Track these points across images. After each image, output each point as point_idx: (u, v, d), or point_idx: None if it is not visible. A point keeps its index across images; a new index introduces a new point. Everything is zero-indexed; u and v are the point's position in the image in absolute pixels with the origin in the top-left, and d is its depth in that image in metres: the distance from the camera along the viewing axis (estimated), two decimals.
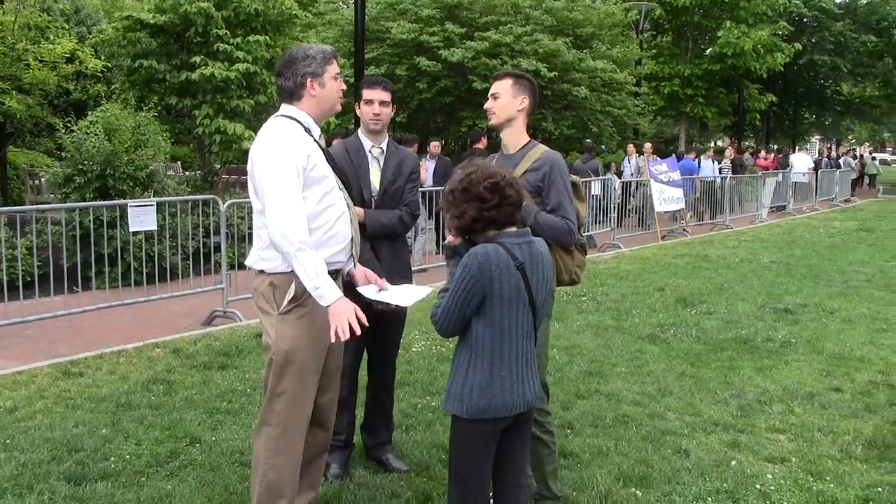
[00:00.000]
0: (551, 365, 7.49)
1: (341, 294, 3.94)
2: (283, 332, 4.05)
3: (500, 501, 3.68)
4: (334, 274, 4.16)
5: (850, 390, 7.43)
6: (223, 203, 10.17)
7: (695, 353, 8.50)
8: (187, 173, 16.98)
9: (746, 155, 33.00)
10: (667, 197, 19.68)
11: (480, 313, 3.46)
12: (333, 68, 4.24)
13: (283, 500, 4.13)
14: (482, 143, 16.24)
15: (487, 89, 4.87)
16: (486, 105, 4.80)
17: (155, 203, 9.40)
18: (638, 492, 5.13)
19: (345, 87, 4.40)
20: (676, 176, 20.16)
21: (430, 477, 5.28)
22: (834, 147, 59.73)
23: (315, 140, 4.19)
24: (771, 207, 25.52)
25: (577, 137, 23.02)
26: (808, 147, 56.66)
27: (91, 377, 7.42)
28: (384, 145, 5.36)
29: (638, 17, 28.29)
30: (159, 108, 15.00)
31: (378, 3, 22.31)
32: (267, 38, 15.55)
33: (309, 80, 4.16)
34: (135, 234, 9.72)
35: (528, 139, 4.80)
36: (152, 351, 8.36)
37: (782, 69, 36.27)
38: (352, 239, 4.30)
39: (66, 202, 11.58)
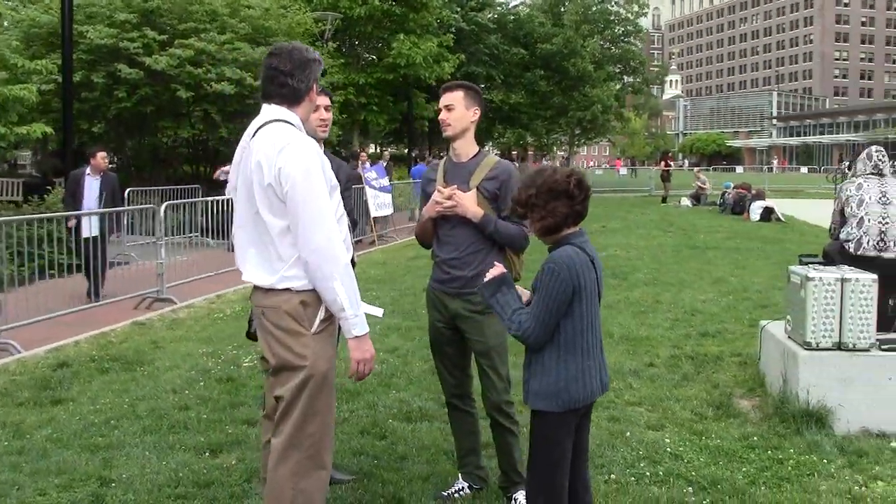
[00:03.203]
0: None
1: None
2: (319, 351, 3.87)
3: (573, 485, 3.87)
4: None
5: (662, 364, 8.25)
6: None
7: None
8: None
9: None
10: (380, 202, 20.32)
11: (567, 312, 3.63)
12: None
13: None
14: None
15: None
16: (441, 116, 4.90)
17: None
18: None
19: None
20: (386, 182, 20.86)
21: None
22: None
23: None
24: None
25: None
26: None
27: None
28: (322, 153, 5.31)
29: (325, 27, 28.70)
30: None
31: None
32: None
33: (314, 85, 4.05)
34: None
35: (478, 148, 4.98)
36: None
37: (449, 78, 38.12)
38: None
39: None
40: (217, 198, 15.32)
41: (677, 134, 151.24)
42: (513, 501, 4.97)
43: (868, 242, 7.10)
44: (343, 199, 5.27)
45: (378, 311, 4.43)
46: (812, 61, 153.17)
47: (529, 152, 52.05)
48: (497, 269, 3.85)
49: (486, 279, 3.84)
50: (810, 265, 6.82)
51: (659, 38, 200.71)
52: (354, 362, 3.89)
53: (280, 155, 3.76)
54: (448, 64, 36.19)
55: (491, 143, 67.23)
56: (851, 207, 7.27)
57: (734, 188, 29.33)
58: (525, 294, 3.85)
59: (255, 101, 22.08)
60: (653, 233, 21.75)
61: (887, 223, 7.10)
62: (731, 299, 11.69)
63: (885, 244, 7.07)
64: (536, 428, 3.73)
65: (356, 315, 3.80)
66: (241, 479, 5.34)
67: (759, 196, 26.57)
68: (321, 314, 3.86)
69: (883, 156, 7.44)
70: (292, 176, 3.73)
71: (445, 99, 4.89)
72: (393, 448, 5.94)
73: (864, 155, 7.58)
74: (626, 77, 51.86)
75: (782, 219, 25.12)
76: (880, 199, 7.17)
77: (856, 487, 5.27)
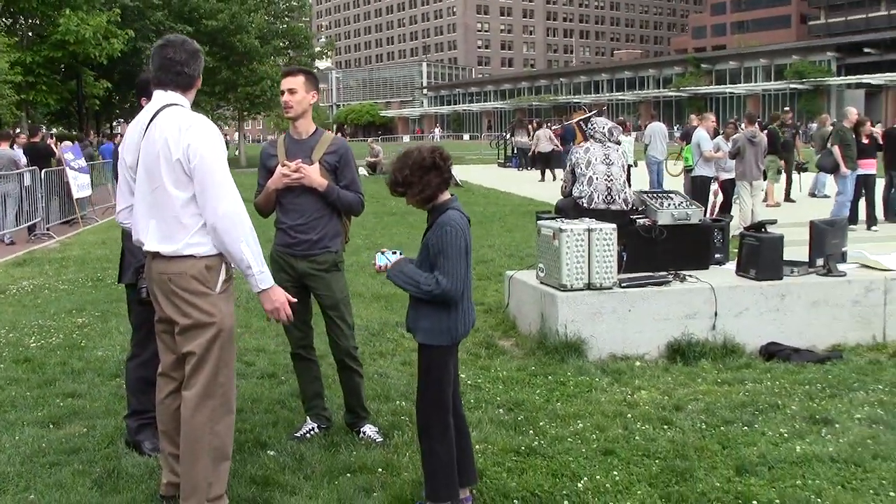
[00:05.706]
0: None
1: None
2: (225, 308, 4.39)
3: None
4: None
5: None
6: None
7: None
8: None
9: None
10: (80, 183, 19.96)
11: None
12: None
13: (226, 461, 4.50)
14: None
15: None
16: (284, 99, 5.53)
17: None
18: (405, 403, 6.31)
19: None
20: (83, 162, 20.52)
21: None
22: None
23: None
24: None
25: None
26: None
27: None
28: None
29: None
30: None
31: None
32: None
33: (200, 74, 4.56)
34: None
35: (316, 126, 5.66)
36: None
37: (120, 55, 36.82)
38: None
39: None
40: None
41: (331, 106, 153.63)
42: (361, 433, 5.74)
43: (598, 197, 8.42)
44: None
45: None
46: (456, 32, 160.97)
47: None
48: (397, 259, 4.51)
49: (391, 266, 4.47)
50: (558, 219, 8.00)
51: (308, 10, 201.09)
52: (268, 313, 4.48)
53: (188, 132, 4.26)
54: (117, 41, 35.04)
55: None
56: (581, 168, 8.57)
57: None
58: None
59: None
60: None
61: (611, 180, 8.45)
62: None
63: (612, 198, 8.43)
64: (428, 359, 4.50)
65: (261, 271, 4.35)
66: (105, 443, 5.62)
67: None
68: (222, 276, 4.40)
69: (598, 125, 8.79)
70: (200, 150, 4.23)
71: (288, 83, 5.52)
72: None
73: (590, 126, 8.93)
74: (291, 52, 52.36)
75: (460, 183, 27.02)
76: (604, 160, 8.52)
77: (628, 396, 6.52)
